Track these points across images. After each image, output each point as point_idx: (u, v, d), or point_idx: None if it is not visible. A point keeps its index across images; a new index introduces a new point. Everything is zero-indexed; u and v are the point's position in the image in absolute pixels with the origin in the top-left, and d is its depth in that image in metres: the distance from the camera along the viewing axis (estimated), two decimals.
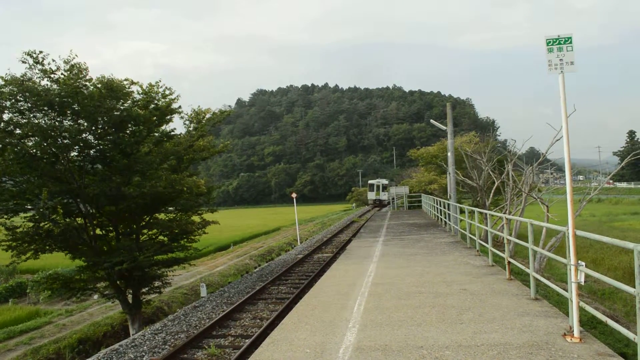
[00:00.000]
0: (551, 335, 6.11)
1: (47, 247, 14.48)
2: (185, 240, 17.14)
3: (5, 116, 13.63)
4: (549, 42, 6.12)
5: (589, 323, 8.70)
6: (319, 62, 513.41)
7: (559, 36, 6.12)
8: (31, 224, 13.94)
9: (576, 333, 5.89)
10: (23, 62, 13.45)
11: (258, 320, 12.40)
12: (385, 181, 68.62)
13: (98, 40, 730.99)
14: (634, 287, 4.69)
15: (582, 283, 5.93)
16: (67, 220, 14.56)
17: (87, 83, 14.32)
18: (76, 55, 14.12)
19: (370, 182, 70.08)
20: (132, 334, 14.23)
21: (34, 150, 14.00)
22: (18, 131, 13.72)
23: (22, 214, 14.49)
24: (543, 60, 6.11)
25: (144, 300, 16.17)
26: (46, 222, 13.99)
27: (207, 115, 18.66)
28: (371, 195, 66.83)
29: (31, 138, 13.88)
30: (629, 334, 4.97)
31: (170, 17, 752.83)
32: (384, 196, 63.40)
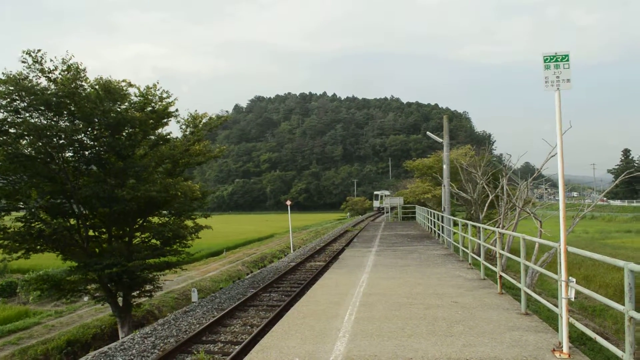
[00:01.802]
0: (540, 350, 6.12)
1: (38, 247, 14.39)
2: (178, 244, 17.08)
3: (0, 115, 13.59)
4: (546, 59, 6.18)
5: (578, 339, 8.71)
6: (317, 71, 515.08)
7: (556, 53, 6.18)
8: (20, 224, 13.87)
9: (565, 349, 5.90)
10: (23, 61, 13.43)
11: (248, 327, 12.35)
12: (387, 192, 79.59)
13: (99, 42, 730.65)
14: (624, 305, 4.72)
15: (573, 299, 5.95)
16: (58, 220, 14.52)
17: (84, 84, 14.31)
18: (73, 56, 14.12)
19: (375, 192, 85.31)
20: (122, 337, 14.15)
21: (29, 150, 13.95)
22: (13, 130, 13.68)
23: (14, 213, 14.42)
24: (541, 77, 6.17)
25: (134, 303, 16.07)
26: (37, 222, 13.94)
27: (204, 120, 18.66)
28: (376, 204, 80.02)
29: (26, 137, 13.83)
30: (618, 352, 4.99)
31: (171, 21, 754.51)
32: (386, 204, 69.70)
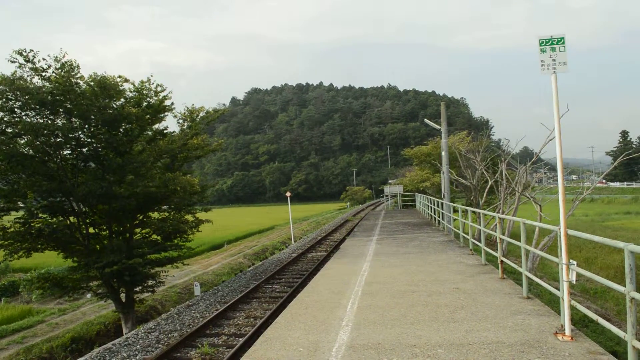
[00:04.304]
0: (543, 333, 6.14)
1: (39, 246, 14.39)
2: (179, 239, 17.09)
3: None
4: (542, 42, 6.13)
5: (580, 322, 8.76)
6: (314, 61, 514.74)
7: (551, 36, 6.14)
8: (19, 224, 13.86)
9: (568, 331, 5.92)
10: (12, 61, 13.34)
11: (252, 319, 12.39)
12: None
13: (95, 38, 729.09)
14: (625, 286, 4.72)
15: (574, 282, 5.96)
16: (58, 219, 14.52)
17: (79, 81, 14.23)
18: (66, 53, 14.04)
19: (390, 181, 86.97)
20: (125, 333, 14.19)
21: (26, 149, 13.91)
22: (9, 130, 13.63)
23: (13, 213, 14.40)
24: (537, 60, 6.13)
25: (137, 299, 16.12)
26: (37, 222, 13.93)
27: (201, 114, 18.62)
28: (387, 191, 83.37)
29: (23, 136, 13.78)
30: (620, 333, 5.00)
31: (167, 15, 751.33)
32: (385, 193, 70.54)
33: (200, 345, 10.33)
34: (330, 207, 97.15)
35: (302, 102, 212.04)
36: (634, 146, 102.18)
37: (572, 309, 6.01)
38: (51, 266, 22.87)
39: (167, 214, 17.44)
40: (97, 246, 15.55)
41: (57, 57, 13.88)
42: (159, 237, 16.72)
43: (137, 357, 10.43)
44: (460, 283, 9.61)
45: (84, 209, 15.30)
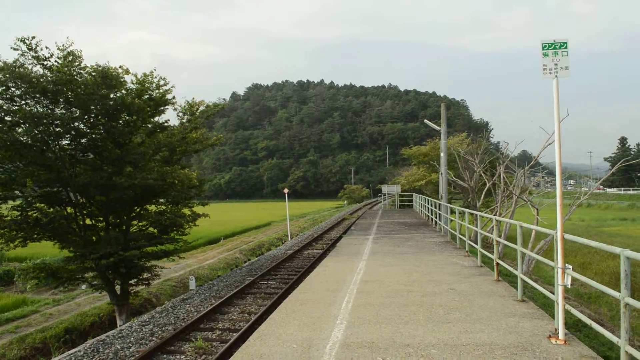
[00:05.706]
0: (536, 336, 6.16)
1: (35, 236, 14.35)
2: (176, 232, 17.07)
3: None
4: (545, 46, 6.14)
5: (574, 326, 8.77)
6: (315, 59, 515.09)
7: (554, 41, 6.14)
8: (17, 213, 13.83)
9: (561, 335, 5.94)
10: (15, 49, 13.28)
11: (246, 315, 12.40)
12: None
13: (98, 30, 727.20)
14: (619, 292, 4.74)
15: (569, 286, 5.98)
16: (55, 209, 14.49)
17: (81, 71, 14.18)
18: (72, 43, 13.97)
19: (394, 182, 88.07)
20: (120, 325, 14.19)
21: (25, 138, 13.86)
22: (8, 118, 13.58)
23: (10, 201, 14.37)
24: (539, 64, 6.14)
25: (132, 291, 16.11)
26: (34, 211, 13.90)
27: (201, 108, 18.58)
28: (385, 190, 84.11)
29: (22, 125, 13.73)
30: (613, 338, 5.02)
31: (169, 7, 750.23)
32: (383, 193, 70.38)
33: (194, 339, 10.33)
34: (327, 205, 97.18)
35: (302, 99, 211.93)
36: (632, 153, 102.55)
37: (566, 312, 6.03)
38: (47, 256, 22.82)
39: (164, 207, 17.42)
40: (94, 237, 15.52)
41: (62, 45, 13.82)
42: (155, 230, 16.69)
43: (131, 350, 10.43)
44: (455, 284, 9.63)
45: (81, 200, 15.27)
